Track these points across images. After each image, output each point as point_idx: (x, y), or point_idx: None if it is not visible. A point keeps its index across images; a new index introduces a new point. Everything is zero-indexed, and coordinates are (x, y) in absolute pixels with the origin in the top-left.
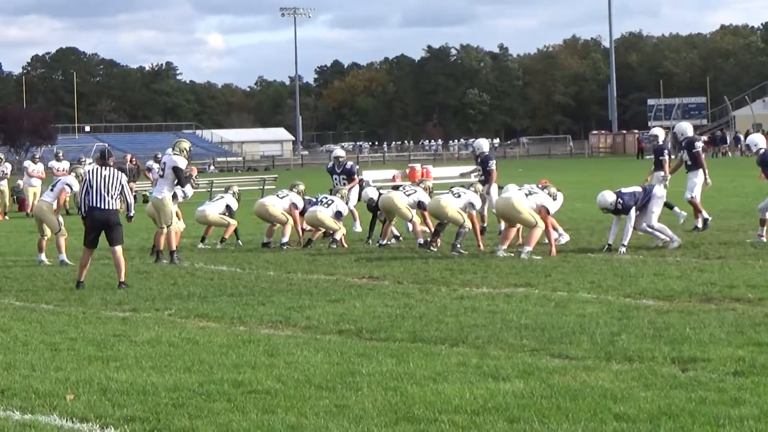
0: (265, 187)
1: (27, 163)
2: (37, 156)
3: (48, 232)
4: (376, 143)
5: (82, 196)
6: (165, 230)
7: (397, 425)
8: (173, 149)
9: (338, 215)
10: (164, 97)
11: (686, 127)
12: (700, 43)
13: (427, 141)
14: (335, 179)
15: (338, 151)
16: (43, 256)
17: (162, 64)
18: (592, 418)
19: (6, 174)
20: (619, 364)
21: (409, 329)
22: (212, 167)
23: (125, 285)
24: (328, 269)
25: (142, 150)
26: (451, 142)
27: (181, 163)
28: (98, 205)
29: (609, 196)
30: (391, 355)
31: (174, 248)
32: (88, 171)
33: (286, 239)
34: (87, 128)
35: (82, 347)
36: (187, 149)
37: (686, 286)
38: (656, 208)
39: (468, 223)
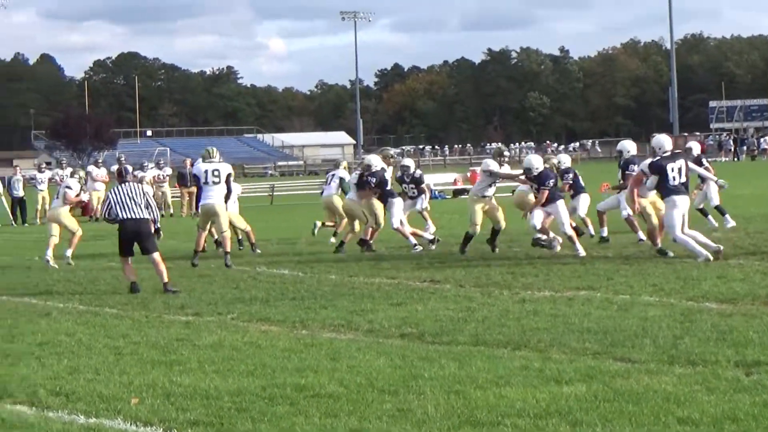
0: None
1: (91, 167)
2: (100, 160)
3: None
4: (437, 146)
5: (106, 210)
6: (228, 233)
7: (459, 429)
8: (210, 157)
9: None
10: (225, 101)
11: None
12: (762, 45)
13: (488, 144)
14: (404, 188)
15: (406, 161)
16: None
17: (223, 69)
18: (655, 422)
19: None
20: (682, 367)
21: (472, 333)
22: (273, 171)
23: (172, 289)
24: (390, 273)
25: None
26: (511, 145)
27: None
28: (129, 216)
29: None
30: (454, 359)
31: (199, 249)
32: (111, 190)
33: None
34: (149, 132)
35: (146, 351)
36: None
37: (749, 289)
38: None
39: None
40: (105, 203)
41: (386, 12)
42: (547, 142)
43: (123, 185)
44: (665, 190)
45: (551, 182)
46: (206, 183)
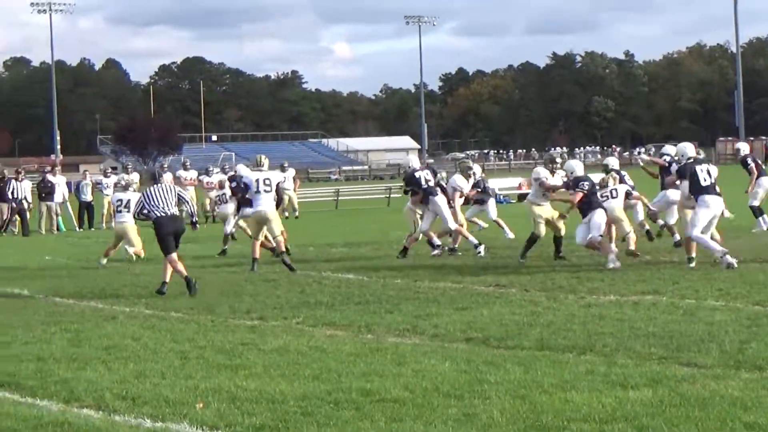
0: (391, 196)
1: (180, 172)
2: (165, 165)
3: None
4: (502, 150)
5: (137, 211)
6: (281, 237)
7: None
8: (259, 165)
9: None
10: (290, 106)
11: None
12: None
13: (553, 148)
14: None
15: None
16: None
17: (288, 73)
18: (722, 428)
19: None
20: (748, 372)
21: (537, 337)
22: (337, 176)
23: (163, 290)
24: (455, 277)
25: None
26: (576, 149)
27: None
28: (163, 213)
29: None
30: (519, 363)
31: (256, 257)
32: (144, 192)
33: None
34: (213, 137)
35: (211, 355)
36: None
37: None
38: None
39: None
40: (138, 204)
41: (451, 16)
42: (613, 146)
43: (155, 186)
44: (697, 191)
45: (585, 185)
46: (257, 192)
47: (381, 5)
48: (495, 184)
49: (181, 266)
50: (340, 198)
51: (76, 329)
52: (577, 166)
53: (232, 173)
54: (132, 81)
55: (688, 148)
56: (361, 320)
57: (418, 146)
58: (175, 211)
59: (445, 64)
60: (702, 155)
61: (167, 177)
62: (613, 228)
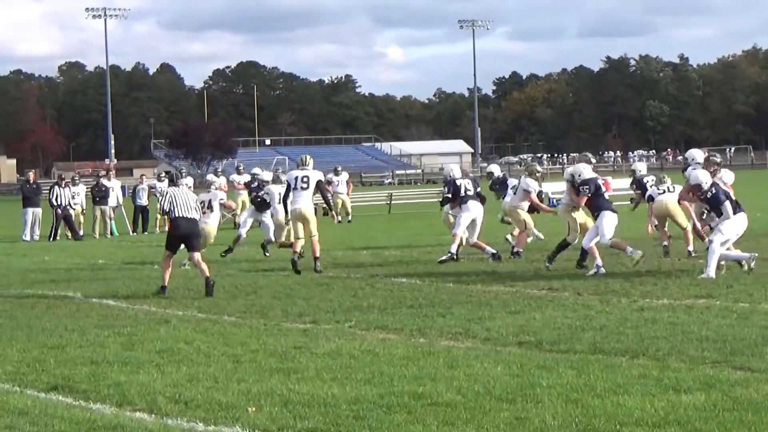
0: None
1: (233, 176)
2: (219, 169)
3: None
4: (555, 154)
5: (165, 203)
6: (317, 237)
7: None
8: (303, 165)
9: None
10: (343, 110)
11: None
12: None
13: (607, 152)
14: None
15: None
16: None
17: (341, 77)
18: None
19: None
20: None
21: (590, 341)
22: (391, 179)
23: (212, 282)
24: (508, 281)
25: (321, 163)
26: (630, 153)
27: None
28: (182, 215)
29: None
30: (572, 367)
31: (297, 250)
32: (170, 189)
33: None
34: (267, 141)
35: (264, 359)
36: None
37: None
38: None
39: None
40: (166, 197)
41: (504, 20)
42: (669, 150)
43: (177, 189)
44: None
45: (586, 188)
46: (295, 188)
47: (434, 9)
48: (548, 187)
49: (168, 274)
50: (393, 202)
51: (129, 332)
52: (584, 169)
53: (252, 174)
54: (186, 85)
55: (697, 154)
56: (413, 324)
57: (472, 150)
58: (194, 215)
59: (498, 68)
60: (719, 159)
61: (188, 181)
62: (666, 225)
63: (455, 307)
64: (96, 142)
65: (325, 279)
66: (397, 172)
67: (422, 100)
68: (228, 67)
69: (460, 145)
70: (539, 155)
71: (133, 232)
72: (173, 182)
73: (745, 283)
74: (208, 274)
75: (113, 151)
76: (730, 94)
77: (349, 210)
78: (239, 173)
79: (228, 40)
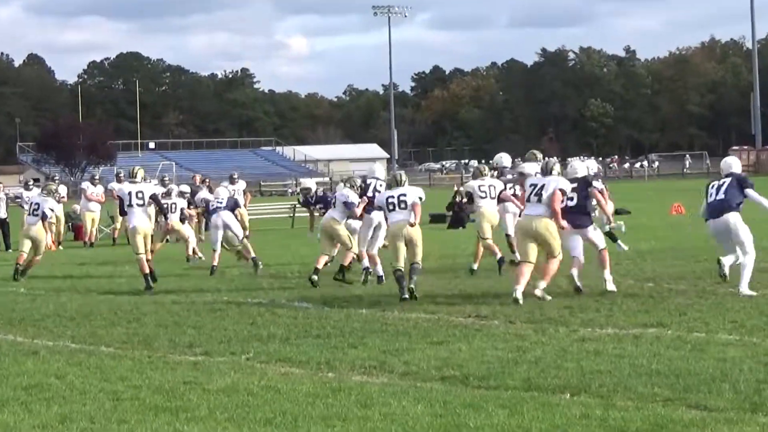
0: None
1: (85, 184)
2: (96, 177)
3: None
4: (483, 161)
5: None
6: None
7: None
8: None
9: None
10: (239, 109)
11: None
12: None
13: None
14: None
15: (306, 182)
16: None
17: (237, 71)
18: None
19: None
20: (766, 416)
21: (524, 376)
22: (294, 189)
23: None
24: (429, 307)
25: (215, 169)
26: (568, 159)
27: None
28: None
29: None
30: (503, 406)
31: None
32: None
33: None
34: (151, 144)
35: (148, 396)
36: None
37: None
38: None
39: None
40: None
41: (425, 6)
42: (615, 157)
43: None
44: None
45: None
46: (130, 205)
47: None
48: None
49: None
50: (296, 215)
51: None
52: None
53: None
54: (57, 80)
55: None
56: (320, 356)
57: (387, 155)
58: None
59: (418, 61)
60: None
61: (62, 189)
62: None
63: (369, 337)
64: None
65: (219, 304)
66: (302, 180)
67: (330, 98)
68: (106, 59)
69: (373, 149)
70: (465, 161)
71: None
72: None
73: (700, 310)
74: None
75: None
76: (682, 93)
77: (247, 224)
78: (119, 181)
79: (106, 28)
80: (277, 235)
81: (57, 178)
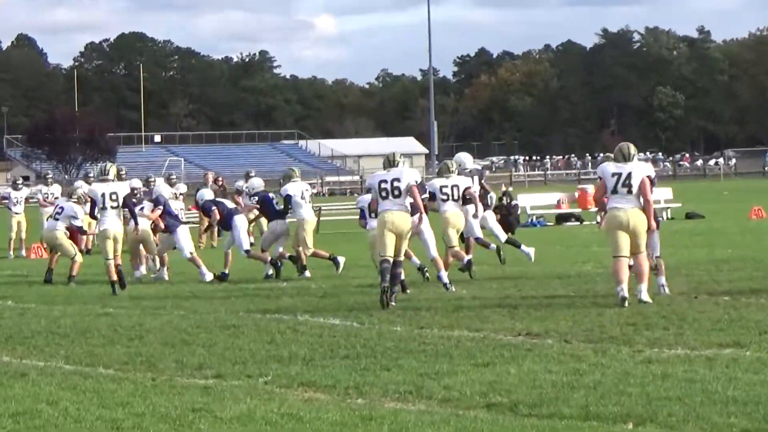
0: None
1: (79, 183)
2: (92, 175)
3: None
4: (536, 157)
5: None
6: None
7: None
8: (104, 174)
9: None
10: (257, 97)
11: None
12: None
13: (603, 153)
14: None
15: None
16: None
17: (254, 55)
18: None
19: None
20: None
21: (581, 403)
22: (320, 189)
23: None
24: (473, 323)
25: (229, 166)
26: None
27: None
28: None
29: None
30: None
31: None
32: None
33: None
34: (157, 138)
35: (152, 425)
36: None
37: None
38: None
39: None
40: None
41: None
42: (686, 155)
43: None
44: None
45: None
46: (104, 208)
47: None
48: (525, 201)
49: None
50: (322, 218)
51: None
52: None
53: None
54: (51, 63)
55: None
56: (348, 379)
57: (426, 150)
58: None
59: (461, 43)
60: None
61: (55, 189)
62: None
63: (404, 358)
64: None
65: (233, 320)
66: (328, 179)
67: (361, 84)
68: (106, 40)
69: (410, 143)
70: (515, 157)
71: None
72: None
73: None
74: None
75: None
76: (764, 79)
77: (265, 228)
78: (87, 181)
79: (106, 5)
80: None
81: (50, 176)
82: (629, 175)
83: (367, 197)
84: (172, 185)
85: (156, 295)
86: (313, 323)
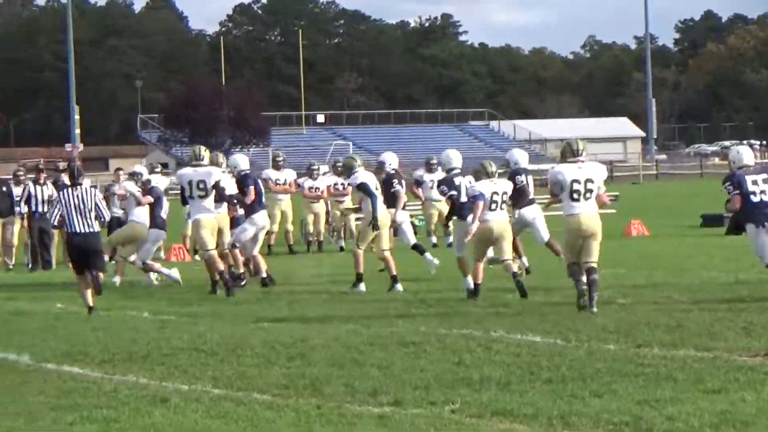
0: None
1: (268, 171)
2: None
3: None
4: None
5: (56, 215)
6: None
7: None
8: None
9: None
10: (439, 70)
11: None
12: None
13: None
14: None
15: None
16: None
17: (436, 19)
18: None
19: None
20: None
21: None
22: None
23: (94, 310)
24: (701, 341)
25: (406, 151)
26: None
27: None
28: (77, 230)
29: None
30: None
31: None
32: (60, 194)
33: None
34: (320, 118)
35: None
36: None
37: None
38: None
39: None
40: (56, 206)
41: None
42: None
43: (73, 189)
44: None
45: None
46: (191, 197)
47: None
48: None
49: (87, 292)
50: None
51: (105, 417)
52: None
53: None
54: (192, 30)
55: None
56: (552, 408)
57: (642, 133)
58: (92, 227)
59: (684, 6)
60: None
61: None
62: None
63: (618, 382)
64: (50, 117)
65: (413, 335)
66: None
67: (564, 54)
68: (257, 1)
69: (623, 125)
70: (749, 141)
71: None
72: (74, 179)
73: None
74: (91, 304)
75: (78, 131)
76: None
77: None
78: (277, 168)
79: None
80: None
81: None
82: None
83: None
84: (339, 174)
85: (318, 303)
86: (509, 340)
